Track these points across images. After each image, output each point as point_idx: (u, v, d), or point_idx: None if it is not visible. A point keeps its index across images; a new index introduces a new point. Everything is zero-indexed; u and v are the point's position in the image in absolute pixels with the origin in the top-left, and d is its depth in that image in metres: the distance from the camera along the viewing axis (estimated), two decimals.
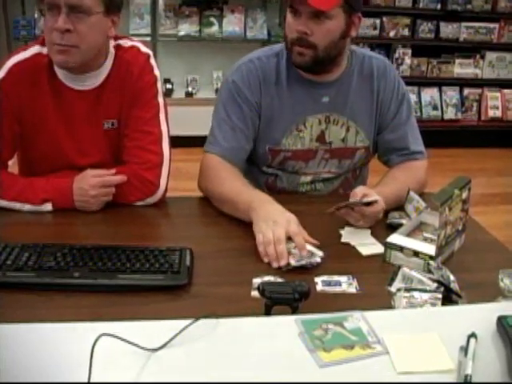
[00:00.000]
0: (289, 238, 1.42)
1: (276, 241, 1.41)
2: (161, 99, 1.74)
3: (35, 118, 1.65)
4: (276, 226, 1.44)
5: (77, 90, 1.66)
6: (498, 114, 5.40)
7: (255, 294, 1.22)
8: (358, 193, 1.57)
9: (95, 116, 1.69)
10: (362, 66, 1.82)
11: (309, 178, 1.88)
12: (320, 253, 1.41)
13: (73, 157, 1.70)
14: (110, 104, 1.69)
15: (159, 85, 1.75)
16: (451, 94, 5.33)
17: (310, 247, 1.42)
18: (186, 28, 4.74)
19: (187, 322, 1.03)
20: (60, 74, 1.65)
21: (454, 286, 1.24)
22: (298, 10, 1.64)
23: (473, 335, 1.04)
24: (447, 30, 5.10)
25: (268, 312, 1.14)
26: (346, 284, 1.33)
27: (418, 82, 5.22)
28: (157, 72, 1.75)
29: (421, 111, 5.23)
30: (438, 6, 5.02)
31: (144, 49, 1.74)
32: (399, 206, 1.67)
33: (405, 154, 1.87)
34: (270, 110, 1.79)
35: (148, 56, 1.74)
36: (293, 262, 1.38)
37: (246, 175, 1.92)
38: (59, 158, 1.69)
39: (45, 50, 1.64)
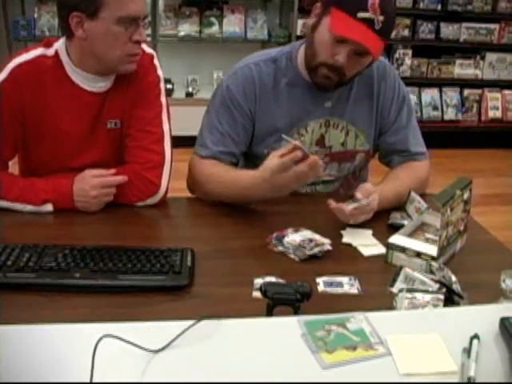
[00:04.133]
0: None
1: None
2: (163, 99, 1.75)
3: (37, 119, 1.65)
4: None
5: (89, 92, 1.66)
6: (498, 114, 5.40)
7: (257, 294, 1.22)
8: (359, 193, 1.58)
9: (101, 116, 1.69)
10: None
11: (309, 181, 1.87)
12: (328, 240, 1.47)
13: (74, 156, 1.70)
14: (115, 104, 1.70)
15: (162, 85, 1.76)
16: (451, 95, 5.33)
17: (316, 236, 1.47)
18: (186, 28, 4.74)
19: (189, 322, 1.03)
20: (77, 75, 1.64)
21: (456, 286, 1.23)
22: (347, 42, 1.58)
23: (475, 337, 1.03)
24: (447, 30, 5.11)
25: (270, 313, 1.14)
26: (348, 285, 1.33)
27: (419, 82, 5.23)
28: (160, 72, 1.76)
29: (421, 112, 5.23)
30: (439, 7, 5.03)
31: (148, 49, 1.75)
32: (401, 207, 1.67)
33: (406, 155, 1.86)
34: (267, 115, 1.77)
35: (152, 56, 1.76)
36: (307, 252, 1.42)
37: None
38: (61, 157, 1.69)
39: (49, 52, 1.64)
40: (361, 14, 1.54)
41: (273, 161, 1.49)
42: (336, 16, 1.57)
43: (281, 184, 1.50)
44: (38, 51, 1.64)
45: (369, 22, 1.54)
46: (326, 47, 1.62)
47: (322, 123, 1.81)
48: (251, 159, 1.89)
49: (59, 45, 1.65)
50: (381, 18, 1.55)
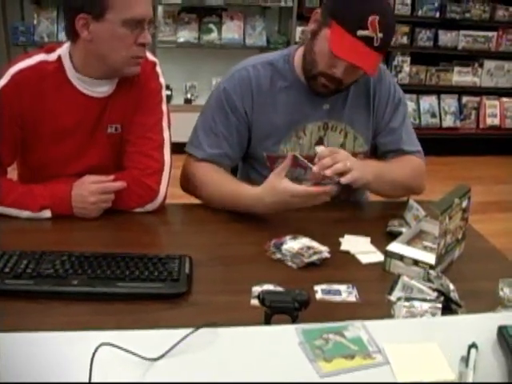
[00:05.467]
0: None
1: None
2: (164, 107, 1.75)
3: (36, 123, 1.65)
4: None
5: (90, 97, 1.67)
6: (496, 122, 5.41)
7: (255, 302, 1.22)
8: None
9: (102, 121, 1.70)
10: None
11: (309, 184, 1.87)
12: (326, 248, 1.46)
13: (73, 160, 1.70)
14: (116, 109, 1.70)
15: (164, 93, 1.77)
16: (450, 102, 5.34)
17: (314, 243, 1.47)
18: (185, 35, 4.75)
19: (187, 330, 1.03)
20: (78, 80, 1.65)
21: (454, 295, 1.23)
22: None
23: (473, 345, 1.03)
24: (446, 38, 5.12)
25: (268, 321, 1.14)
26: (346, 293, 1.33)
27: (417, 89, 5.23)
28: (162, 80, 1.77)
29: (419, 119, 5.24)
30: (437, 15, 5.04)
31: (151, 57, 1.76)
32: (398, 214, 1.67)
33: (400, 154, 1.87)
34: (264, 118, 1.78)
35: (154, 64, 1.77)
36: (305, 259, 1.42)
37: (246, 180, 1.92)
38: (59, 161, 1.69)
39: (50, 58, 1.64)
40: (360, 32, 1.55)
41: (276, 182, 1.55)
42: (335, 32, 1.58)
43: (277, 206, 1.57)
44: (39, 57, 1.65)
45: (368, 40, 1.55)
46: (325, 58, 1.63)
47: (320, 126, 1.82)
48: (249, 162, 1.90)
49: (62, 50, 1.65)
50: (380, 35, 1.56)
